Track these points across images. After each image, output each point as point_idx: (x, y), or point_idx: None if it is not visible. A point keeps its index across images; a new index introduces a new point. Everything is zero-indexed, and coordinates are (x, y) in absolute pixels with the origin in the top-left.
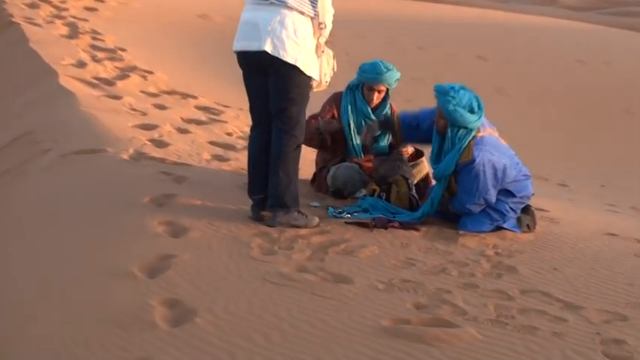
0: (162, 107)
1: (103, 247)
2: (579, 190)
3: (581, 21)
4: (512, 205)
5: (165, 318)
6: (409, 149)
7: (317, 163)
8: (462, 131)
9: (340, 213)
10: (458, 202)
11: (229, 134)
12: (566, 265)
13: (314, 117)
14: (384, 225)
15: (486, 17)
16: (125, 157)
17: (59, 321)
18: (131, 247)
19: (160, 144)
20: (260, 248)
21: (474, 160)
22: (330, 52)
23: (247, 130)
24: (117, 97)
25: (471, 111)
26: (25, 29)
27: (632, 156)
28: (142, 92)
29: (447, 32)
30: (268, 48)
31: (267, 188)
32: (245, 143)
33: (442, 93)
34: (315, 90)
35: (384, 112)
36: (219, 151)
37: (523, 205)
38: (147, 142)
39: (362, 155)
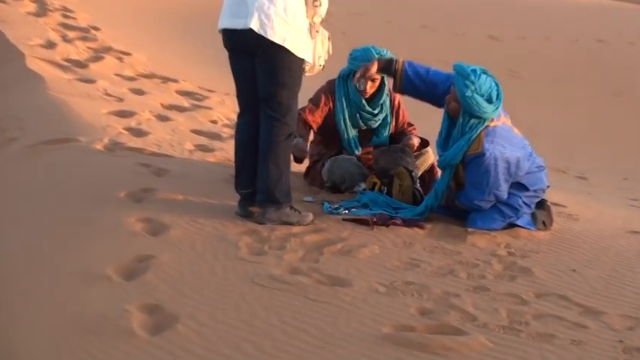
0: (140, 92)
1: (75, 247)
2: (600, 183)
3: None
4: (525, 200)
5: (144, 325)
6: (415, 141)
7: (311, 156)
8: (474, 120)
9: (337, 209)
10: (465, 197)
11: (214, 122)
12: (586, 266)
13: (308, 109)
14: (385, 222)
15: None
16: (99, 147)
17: (26, 329)
18: (106, 247)
19: (137, 133)
20: (248, 248)
21: (483, 154)
22: (326, 33)
23: (234, 117)
24: (90, 81)
25: (489, 100)
26: None
27: None
28: (118, 75)
29: (454, 9)
30: (254, 26)
31: (256, 182)
32: (232, 132)
33: (462, 75)
34: (308, 74)
35: (381, 101)
36: (204, 140)
37: (538, 200)
38: (123, 131)
39: (358, 150)
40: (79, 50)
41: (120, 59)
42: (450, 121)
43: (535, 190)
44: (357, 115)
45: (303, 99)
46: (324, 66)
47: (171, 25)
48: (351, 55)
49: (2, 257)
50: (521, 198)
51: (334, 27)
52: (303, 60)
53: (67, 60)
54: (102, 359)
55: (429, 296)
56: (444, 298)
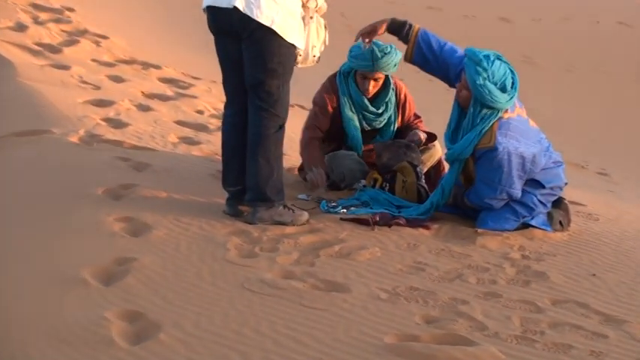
0: (119, 79)
1: (49, 249)
2: (622, 179)
3: None
4: (541, 198)
5: (124, 334)
6: (421, 136)
7: None
8: (486, 111)
9: (334, 207)
10: (476, 194)
11: (200, 112)
12: (607, 271)
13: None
14: (388, 222)
15: None
16: (74, 139)
17: None
18: (82, 248)
19: (116, 124)
20: (238, 250)
21: (496, 148)
22: (322, 21)
23: (222, 107)
24: (64, 67)
25: (503, 89)
26: None
27: None
28: (95, 61)
29: None
30: (239, 4)
31: (246, 178)
32: (219, 123)
33: (474, 61)
34: (300, 65)
35: (387, 99)
36: (188, 132)
37: (554, 198)
38: (100, 122)
39: (361, 150)
40: (51, 33)
41: (97, 43)
42: (460, 110)
43: (552, 188)
44: (361, 115)
45: (300, 94)
46: (319, 57)
47: (153, 6)
48: (351, 52)
49: None
50: (536, 196)
51: (332, 8)
52: (294, 46)
53: (39, 44)
54: None
55: (435, 303)
56: (452, 305)
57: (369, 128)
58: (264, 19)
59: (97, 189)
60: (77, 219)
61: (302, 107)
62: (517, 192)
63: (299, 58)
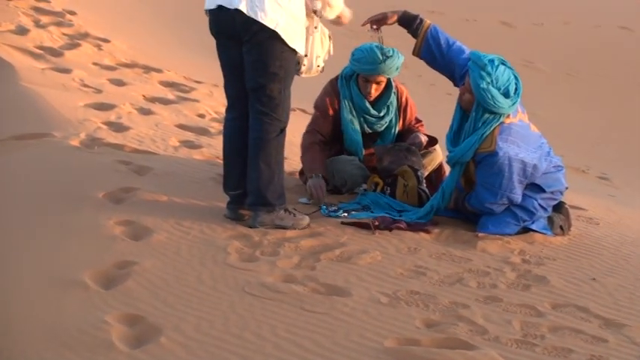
0: (120, 83)
1: (49, 253)
2: (623, 184)
3: None
4: (542, 202)
5: (124, 338)
6: (422, 139)
7: None
8: (488, 115)
9: (335, 211)
10: (476, 199)
11: (201, 116)
12: (607, 275)
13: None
14: (388, 226)
15: None
16: (75, 143)
17: None
18: (82, 252)
19: (117, 127)
20: (239, 254)
21: (496, 153)
22: (326, 32)
23: (223, 110)
24: (65, 71)
25: (506, 94)
26: None
27: None
28: (96, 64)
29: None
30: (244, 7)
31: (247, 183)
32: (220, 127)
33: (478, 66)
34: (304, 75)
35: (388, 102)
36: (190, 136)
37: (555, 202)
38: (102, 126)
39: (362, 154)
40: (53, 37)
41: (98, 47)
42: (463, 113)
43: (552, 192)
44: (362, 118)
45: (302, 98)
46: (323, 67)
47: (155, 10)
48: (353, 55)
49: None
50: (537, 200)
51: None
52: (295, 51)
53: (41, 47)
54: None
55: (436, 307)
56: (452, 309)
57: (370, 131)
58: (268, 21)
59: (98, 192)
60: (78, 222)
61: (304, 111)
62: (517, 197)
63: (303, 68)
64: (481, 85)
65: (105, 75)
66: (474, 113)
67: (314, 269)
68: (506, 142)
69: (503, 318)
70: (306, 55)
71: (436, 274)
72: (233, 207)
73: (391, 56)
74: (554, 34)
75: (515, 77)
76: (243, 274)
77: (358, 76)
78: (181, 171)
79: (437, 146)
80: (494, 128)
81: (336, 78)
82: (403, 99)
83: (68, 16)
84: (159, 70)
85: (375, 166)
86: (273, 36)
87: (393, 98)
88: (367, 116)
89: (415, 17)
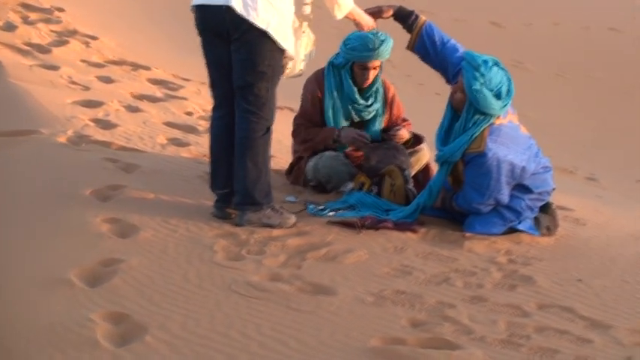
0: (108, 80)
1: (34, 250)
2: (611, 185)
3: None
4: (529, 203)
5: (110, 336)
6: (404, 132)
7: (294, 152)
8: (479, 116)
9: (322, 210)
10: (464, 199)
11: (189, 114)
12: (594, 276)
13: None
14: (375, 225)
15: None
16: (63, 140)
17: None
18: (68, 249)
19: (105, 125)
20: (225, 252)
21: (485, 154)
22: (312, 37)
23: (211, 109)
24: (53, 68)
25: (498, 96)
26: None
27: None
28: (84, 62)
29: None
30: (237, 5)
31: (234, 181)
32: (208, 125)
33: (472, 66)
34: (286, 77)
35: (374, 88)
36: (177, 133)
37: (542, 203)
38: (89, 123)
39: (346, 147)
40: (41, 33)
41: (86, 44)
42: (454, 113)
43: (540, 193)
44: (350, 106)
45: (289, 96)
46: (302, 71)
47: (144, 7)
48: (346, 44)
49: None
50: (524, 201)
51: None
52: (284, 51)
53: (28, 44)
54: None
55: (422, 307)
56: (438, 309)
57: (357, 119)
58: (259, 21)
59: (85, 190)
60: (64, 219)
61: (291, 110)
62: (505, 197)
63: (287, 70)
64: (474, 86)
65: (93, 72)
66: (465, 113)
67: (300, 268)
68: (495, 143)
69: (489, 318)
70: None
71: (422, 274)
72: (220, 205)
73: (385, 40)
74: (543, 35)
75: (508, 79)
76: (230, 273)
77: (354, 65)
78: (169, 169)
79: (424, 145)
80: (484, 129)
81: (322, 69)
82: (390, 94)
83: (56, 12)
84: (147, 68)
85: (361, 165)
86: (263, 35)
87: (379, 85)
88: (355, 104)
89: (411, 13)
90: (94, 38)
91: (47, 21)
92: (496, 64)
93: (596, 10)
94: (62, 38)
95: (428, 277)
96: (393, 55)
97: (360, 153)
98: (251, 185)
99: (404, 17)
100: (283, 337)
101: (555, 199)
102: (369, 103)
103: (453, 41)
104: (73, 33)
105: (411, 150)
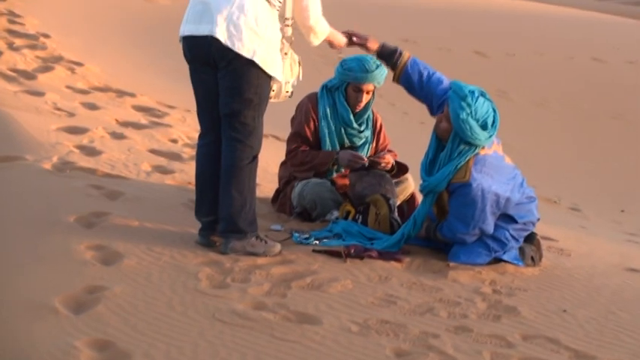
0: (93, 107)
1: (18, 276)
2: (595, 215)
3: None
4: (513, 233)
5: None
6: (389, 158)
7: (280, 178)
8: (464, 146)
9: (307, 239)
10: (448, 229)
11: (174, 141)
12: (578, 307)
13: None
14: (360, 254)
15: (486, 5)
16: (47, 166)
17: None
18: (52, 276)
19: (89, 152)
20: (209, 280)
21: (470, 184)
22: (296, 57)
23: (196, 136)
24: (38, 94)
25: (484, 126)
26: None
27: None
28: (69, 88)
29: (438, 22)
30: (222, 36)
31: (219, 209)
32: (193, 152)
33: (459, 96)
34: (273, 101)
35: (366, 115)
36: (162, 161)
37: (527, 234)
38: (74, 149)
39: (338, 171)
40: (26, 59)
41: (71, 70)
42: (438, 143)
43: (524, 223)
44: (342, 129)
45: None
46: (292, 93)
47: (129, 34)
48: (342, 65)
49: None
50: (508, 231)
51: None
52: (271, 77)
53: (14, 70)
54: None
55: (406, 336)
56: (422, 339)
57: (348, 144)
58: (245, 51)
59: (69, 216)
60: (48, 246)
61: (277, 138)
62: (490, 227)
63: (272, 93)
64: (461, 116)
65: (78, 98)
66: (451, 143)
67: (285, 297)
68: (480, 173)
69: (474, 348)
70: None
71: (407, 304)
72: (205, 233)
73: (380, 64)
74: (527, 65)
75: (494, 110)
76: (214, 301)
77: (348, 86)
78: (153, 196)
79: (409, 175)
80: (469, 159)
81: (315, 93)
82: (378, 124)
83: (42, 38)
84: (132, 95)
85: (347, 192)
86: (250, 63)
87: (370, 113)
88: (349, 128)
89: (394, 51)
90: (79, 64)
91: (33, 47)
92: (482, 94)
93: (580, 40)
94: (47, 64)
95: (412, 306)
96: None
97: (346, 180)
98: (236, 213)
99: (387, 55)
100: None
101: (539, 230)
102: (362, 128)
103: (438, 74)
104: (59, 59)
105: (396, 180)
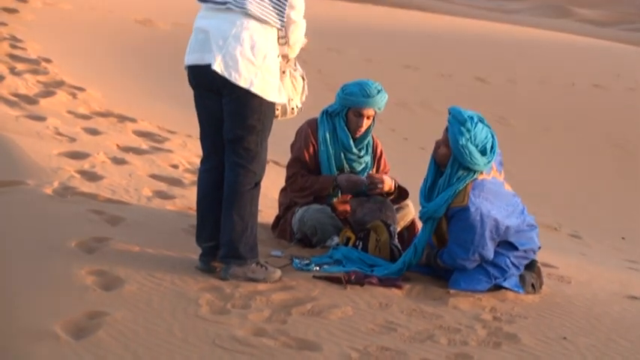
0: (94, 132)
1: (19, 302)
2: (595, 242)
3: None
4: (514, 260)
5: None
6: (388, 180)
7: (281, 204)
8: (462, 172)
9: (307, 265)
10: (448, 255)
11: (175, 166)
12: (579, 334)
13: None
14: (360, 281)
15: (488, 32)
16: (48, 191)
17: None
18: (53, 301)
19: (91, 177)
20: (210, 306)
21: (468, 208)
22: (297, 73)
23: (197, 161)
24: (40, 119)
25: (483, 152)
26: None
27: None
28: (71, 113)
29: (440, 48)
30: (218, 67)
31: (220, 234)
32: (194, 177)
33: (458, 121)
34: (280, 119)
35: (366, 141)
36: (163, 186)
37: (528, 261)
38: (75, 174)
39: (337, 196)
40: (28, 84)
41: (73, 95)
42: (437, 168)
43: (525, 250)
44: (342, 154)
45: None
46: (300, 108)
47: (130, 59)
48: (344, 90)
49: None
50: (509, 258)
51: (309, 64)
52: (274, 103)
53: (15, 95)
54: None
55: None
56: None
57: (348, 169)
58: (242, 81)
59: (70, 242)
60: (49, 271)
61: (277, 163)
62: (489, 253)
63: (277, 112)
64: (460, 142)
65: (79, 124)
66: (450, 169)
67: (285, 323)
68: (478, 197)
69: None
70: None
71: (407, 330)
72: (205, 259)
73: (381, 90)
74: (528, 91)
75: (492, 135)
76: (214, 327)
77: (348, 111)
78: (154, 221)
79: (409, 202)
80: (468, 183)
81: (314, 119)
82: (378, 150)
83: (44, 63)
84: (133, 120)
85: (347, 218)
86: (249, 91)
87: (370, 139)
88: (348, 153)
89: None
90: (80, 89)
91: (34, 72)
92: (481, 120)
93: (581, 66)
94: (49, 89)
95: (412, 333)
96: None
97: (346, 206)
98: (237, 238)
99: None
100: None
101: (539, 257)
102: (362, 154)
103: None
104: (60, 84)
105: (397, 206)
